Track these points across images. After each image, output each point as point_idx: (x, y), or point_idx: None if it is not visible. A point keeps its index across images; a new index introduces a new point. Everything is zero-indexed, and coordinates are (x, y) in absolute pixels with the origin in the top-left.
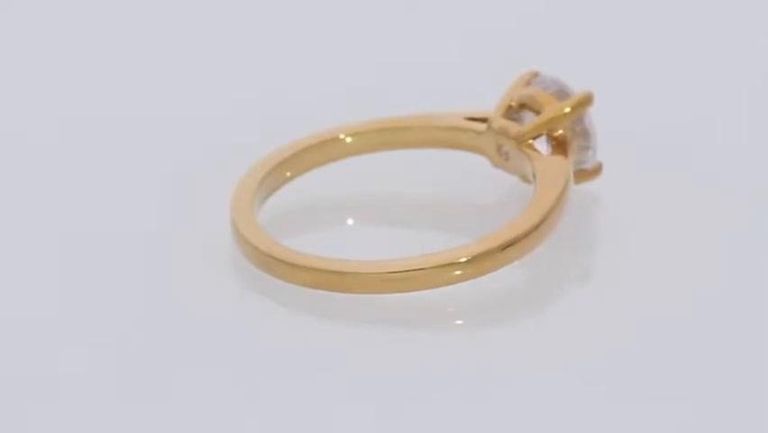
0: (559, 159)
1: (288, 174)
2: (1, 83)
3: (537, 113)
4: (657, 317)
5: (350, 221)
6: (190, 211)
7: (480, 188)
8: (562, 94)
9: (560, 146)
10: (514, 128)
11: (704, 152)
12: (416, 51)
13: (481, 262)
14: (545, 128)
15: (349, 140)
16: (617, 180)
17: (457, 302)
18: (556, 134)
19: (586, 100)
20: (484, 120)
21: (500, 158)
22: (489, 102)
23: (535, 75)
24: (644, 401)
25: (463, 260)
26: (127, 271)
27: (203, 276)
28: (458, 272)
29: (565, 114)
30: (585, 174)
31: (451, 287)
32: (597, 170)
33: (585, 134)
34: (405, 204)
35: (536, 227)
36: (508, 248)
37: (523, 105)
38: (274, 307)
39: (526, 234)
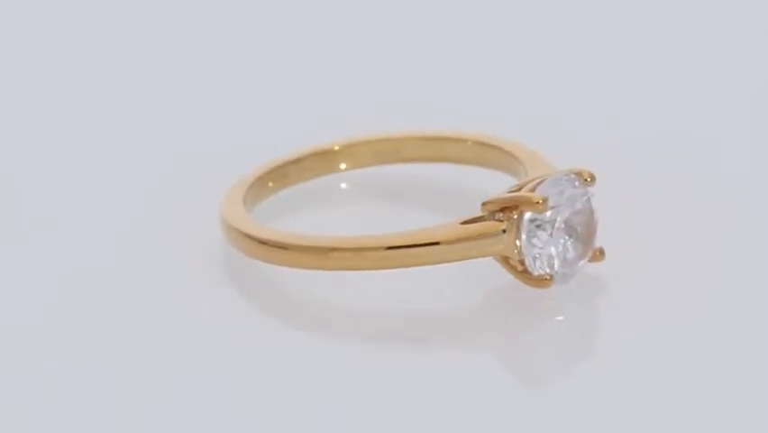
0: (480, 225)
1: (344, 166)
2: (1, 86)
3: None
4: (656, 321)
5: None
6: (188, 211)
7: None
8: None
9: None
10: (494, 194)
11: (701, 159)
12: (414, 71)
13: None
14: (496, 205)
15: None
16: (616, 185)
17: (453, 306)
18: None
19: (523, 200)
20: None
21: None
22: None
23: (573, 175)
24: (642, 408)
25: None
26: (124, 270)
27: (199, 276)
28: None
29: (502, 200)
30: (529, 278)
31: (446, 293)
32: (541, 281)
33: (537, 236)
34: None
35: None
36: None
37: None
38: (268, 306)
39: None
